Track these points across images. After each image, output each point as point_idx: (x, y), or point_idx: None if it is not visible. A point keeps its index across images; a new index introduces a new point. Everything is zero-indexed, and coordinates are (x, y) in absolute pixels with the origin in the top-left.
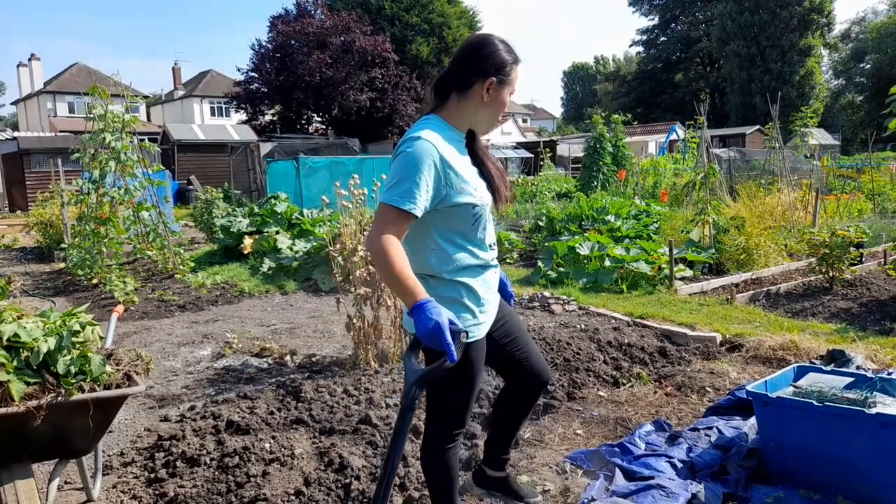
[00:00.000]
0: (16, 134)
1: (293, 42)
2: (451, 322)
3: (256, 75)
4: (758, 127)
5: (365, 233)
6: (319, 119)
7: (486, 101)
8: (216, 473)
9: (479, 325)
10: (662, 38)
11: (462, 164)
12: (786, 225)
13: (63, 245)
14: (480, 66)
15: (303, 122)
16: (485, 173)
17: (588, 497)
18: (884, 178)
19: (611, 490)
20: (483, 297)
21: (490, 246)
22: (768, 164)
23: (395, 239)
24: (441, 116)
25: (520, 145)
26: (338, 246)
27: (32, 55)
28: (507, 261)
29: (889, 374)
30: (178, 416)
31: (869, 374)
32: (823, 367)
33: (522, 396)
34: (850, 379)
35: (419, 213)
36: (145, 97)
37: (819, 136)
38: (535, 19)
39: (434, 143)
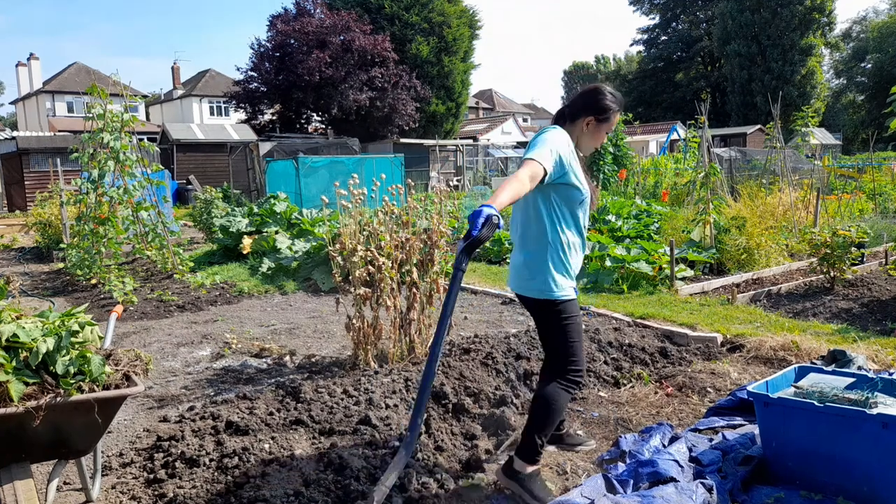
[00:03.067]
0: (15, 133)
1: (293, 41)
2: (491, 217)
3: (256, 74)
4: (759, 126)
5: (364, 233)
6: (319, 118)
7: (584, 131)
8: (215, 474)
9: (574, 288)
10: (663, 38)
11: (576, 159)
12: (787, 225)
13: (62, 245)
14: (587, 106)
15: (302, 121)
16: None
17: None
18: (885, 177)
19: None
20: (576, 268)
21: (584, 232)
22: (769, 163)
23: (525, 176)
24: None
25: (520, 145)
26: (337, 246)
27: (31, 55)
28: (508, 261)
29: (890, 374)
30: (177, 417)
31: (870, 375)
32: (824, 368)
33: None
34: (852, 379)
35: (549, 168)
36: (144, 97)
37: (820, 136)
38: (535, 18)
39: (565, 135)
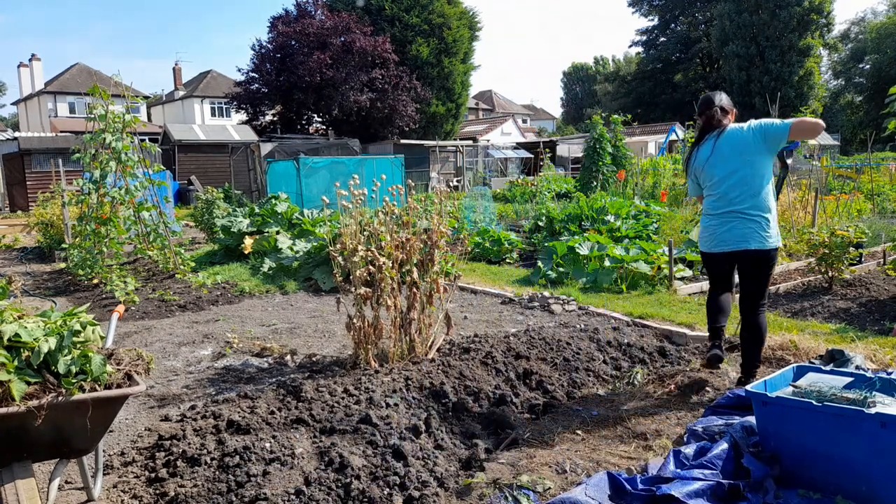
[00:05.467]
0: (17, 134)
1: (293, 42)
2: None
3: (257, 76)
4: None
5: (365, 233)
6: (320, 119)
7: (732, 120)
8: (217, 473)
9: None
10: (662, 39)
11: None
12: (785, 225)
13: (64, 245)
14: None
15: (303, 122)
16: None
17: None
18: (883, 178)
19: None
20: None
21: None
22: None
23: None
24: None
25: (520, 145)
26: (338, 246)
27: (33, 55)
28: (507, 261)
29: (888, 373)
30: (178, 416)
31: (868, 374)
32: (823, 367)
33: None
34: (850, 379)
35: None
36: (146, 97)
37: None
38: (534, 19)
39: None
